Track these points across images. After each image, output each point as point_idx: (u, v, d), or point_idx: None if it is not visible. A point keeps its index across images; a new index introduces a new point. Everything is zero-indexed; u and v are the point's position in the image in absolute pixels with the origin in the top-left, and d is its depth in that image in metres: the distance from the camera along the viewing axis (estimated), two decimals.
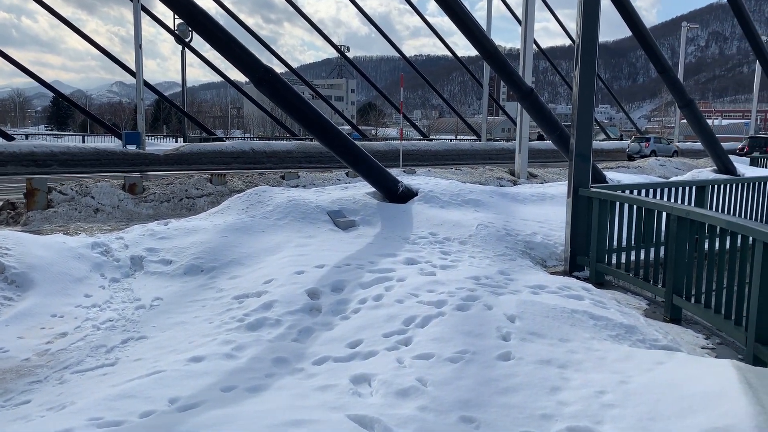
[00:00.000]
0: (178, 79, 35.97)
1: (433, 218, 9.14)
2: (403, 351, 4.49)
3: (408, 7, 36.95)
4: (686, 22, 46.54)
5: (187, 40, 33.48)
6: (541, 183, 16.21)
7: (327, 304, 5.68)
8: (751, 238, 4.89)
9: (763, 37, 27.88)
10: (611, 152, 39.19)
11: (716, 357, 4.96)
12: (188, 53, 33.93)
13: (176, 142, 37.54)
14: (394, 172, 12.25)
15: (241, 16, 35.93)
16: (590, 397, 3.72)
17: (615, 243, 7.45)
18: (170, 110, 60.71)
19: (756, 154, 28.59)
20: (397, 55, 41.40)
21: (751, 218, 11.00)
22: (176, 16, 30.44)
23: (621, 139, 50.74)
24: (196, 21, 8.64)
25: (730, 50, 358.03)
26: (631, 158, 33.00)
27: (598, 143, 40.98)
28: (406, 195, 10.17)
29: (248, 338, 4.90)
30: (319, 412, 3.54)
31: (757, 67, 39.29)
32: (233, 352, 4.60)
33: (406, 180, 11.03)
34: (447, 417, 3.55)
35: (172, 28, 33.56)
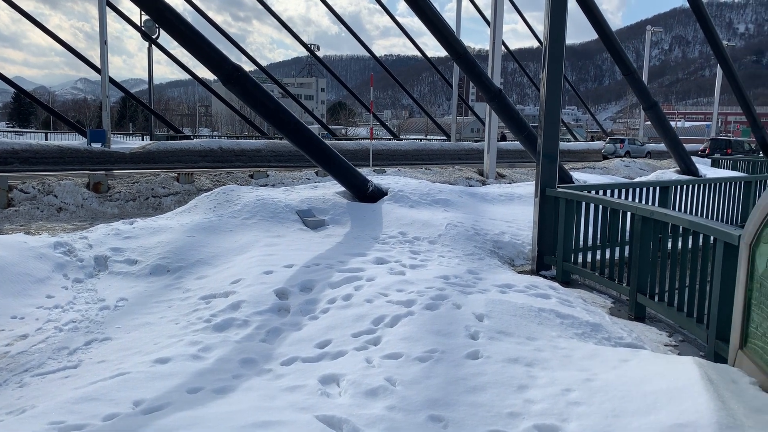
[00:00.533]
0: (145, 76, 35.42)
1: (402, 218, 9.16)
2: (372, 351, 4.48)
3: (378, 6, 37.02)
4: (650, 26, 47.37)
5: (154, 36, 32.93)
6: (509, 183, 16.37)
7: (296, 304, 5.64)
8: (712, 238, 5.01)
9: (724, 42, 28.60)
10: (578, 153, 39.75)
11: (679, 354, 5.06)
12: (155, 50, 33.41)
13: (143, 140, 36.87)
14: (364, 171, 12.24)
15: (210, 14, 35.49)
16: (556, 395, 3.76)
17: (581, 242, 7.56)
18: (137, 108, 59.66)
19: (717, 155, 29.30)
20: (368, 54, 41.39)
21: (712, 218, 11.27)
22: (143, 13, 29.95)
23: (593, 140, 51.61)
24: (163, 18, 8.51)
25: (692, 54, 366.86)
26: (606, 158, 33.81)
27: (567, 144, 41.60)
28: (376, 194, 10.17)
29: (215, 339, 4.84)
30: (288, 413, 3.52)
31: (719, 70, 40.28)
32: (200, 353, 4.54)
33: (376, 179, 11.03)
34: (416, 416, 3.55)
35: (139, 24, 33.00)
